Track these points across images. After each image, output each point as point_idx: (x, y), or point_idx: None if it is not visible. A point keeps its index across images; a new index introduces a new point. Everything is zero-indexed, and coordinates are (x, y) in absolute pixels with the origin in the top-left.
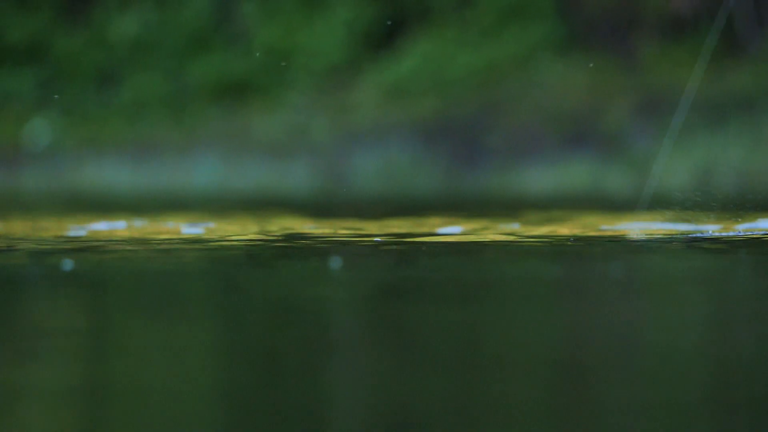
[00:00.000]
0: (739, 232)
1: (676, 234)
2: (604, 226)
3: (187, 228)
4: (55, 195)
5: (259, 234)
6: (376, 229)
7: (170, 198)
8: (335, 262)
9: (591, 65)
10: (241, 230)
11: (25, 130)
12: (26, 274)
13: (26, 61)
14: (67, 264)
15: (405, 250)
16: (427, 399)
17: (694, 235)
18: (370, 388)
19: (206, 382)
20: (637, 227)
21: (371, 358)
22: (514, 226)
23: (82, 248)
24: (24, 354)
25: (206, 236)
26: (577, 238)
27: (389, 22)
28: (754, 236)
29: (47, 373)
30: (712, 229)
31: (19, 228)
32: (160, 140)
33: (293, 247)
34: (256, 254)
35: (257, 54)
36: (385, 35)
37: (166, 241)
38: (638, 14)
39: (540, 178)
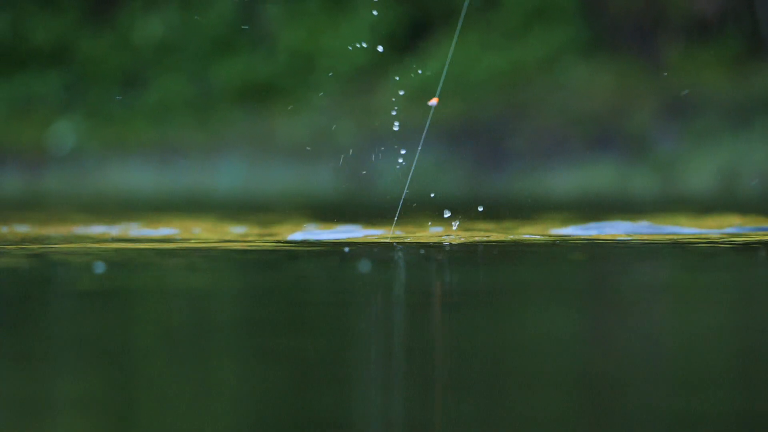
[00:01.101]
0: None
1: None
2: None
3: (213, 231)
4: (79, 197)
5: (282, 237)
6: (405, 232)
7: (194, 201)
8: (364, 266)
9: (616, 63)
10: (264, 233)
11: (50, 133)
12: (57, 276)
13: (51, 64)
14: (99, 266)
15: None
16: (450, 411)
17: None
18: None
19: (233, 393)
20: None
21: (401, 369)
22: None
23: (111, 250)
24: (53, 361)
25: (230, 239)
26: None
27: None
28: None
29: (72, 382)
30: (737, 231)
31: (47, 231)
32: (184, 143)
33: (318, 250)
34: (279, 257)
35: (281, 57)
36: (409, 38)
37: (193, 244)
38: (663, 16)
39: (564, 180)
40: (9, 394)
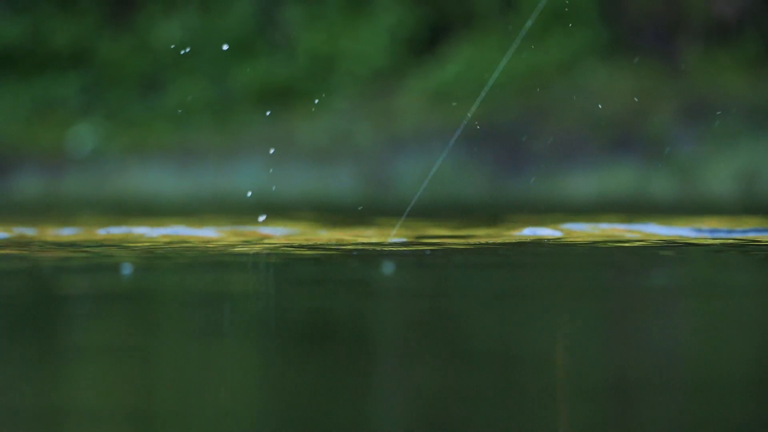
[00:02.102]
0: None
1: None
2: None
3: (235, 234)
4: (99, 200)
5: (305, 240)
6: (428, 234)
7: (215, 203)
8: (387, 268)
9: (636, 60)
10: (287, 237)
11: (70, 136)
12: (81, 279)
13: (70, 67)
14: (126, 267)
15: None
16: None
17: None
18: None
19: (257, 402)
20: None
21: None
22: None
23: (135, 253)
24: (75, 369)
25: (251, 242)
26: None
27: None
28: None
29: (95, 392)
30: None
31: (68, 233)
32: (204, 146)
33: (340, 254)
34: (303, 261)
35: (300, 60)
36: (428, 40)
37: (215, 248)
38: (682, 18)
39: (584, 183)
40: (31, 400)
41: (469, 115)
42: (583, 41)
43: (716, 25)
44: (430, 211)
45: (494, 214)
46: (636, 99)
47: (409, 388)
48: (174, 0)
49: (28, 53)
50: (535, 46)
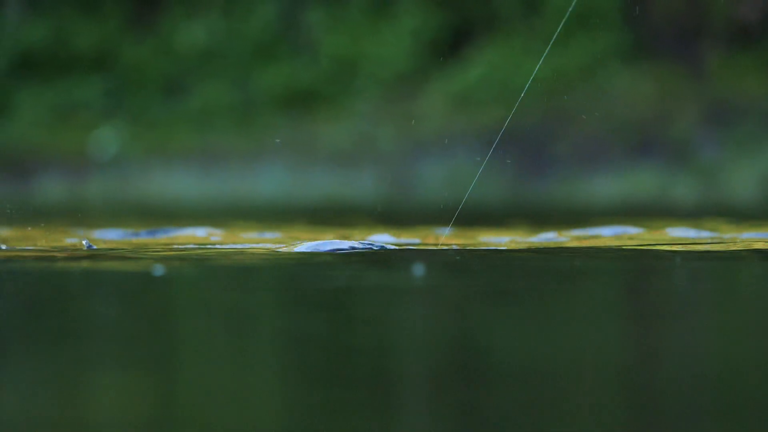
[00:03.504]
0: None
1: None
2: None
3: (259, 237)
4: (122, 203)
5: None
6: (454, 238)
7: (238, 207)
8: (418, 270)
9: (658, 69)
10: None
11: (92, 139)
12: (116, 280)
13: (94, 70)
14: (158, 269)
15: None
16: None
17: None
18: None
19: (282, 401)
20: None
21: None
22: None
23: (165, 256)
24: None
25: (275, 245)
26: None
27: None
28: None
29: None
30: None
31: (92, 236)
32: (227, 149)
33: (371, 256)
34: (330, 264)
35: (324, 63)
36: (451, 44)
37: (240, 250)
38: (705, 22)
39: (607, 186)
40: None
41: (508, 118)
42: (606, 45)
43: (739, 28)
44: (459, 216)
45: (529, 216)
46: (659, 103)
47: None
48: (197, 3)
49: (52, 56)
50: (557, 50)
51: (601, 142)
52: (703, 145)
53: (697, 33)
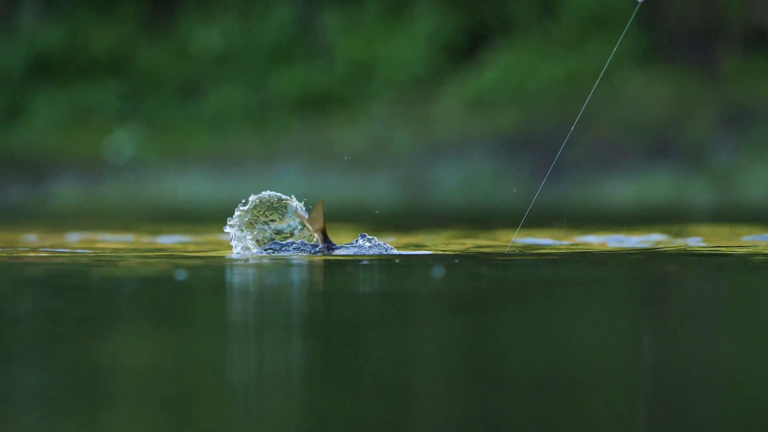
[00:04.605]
0: None
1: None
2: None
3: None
4: (138, 206)
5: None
6: (471, 241)
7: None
8: (438, 271)
9: (674, 73)
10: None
11: (108, 142)
12: (137, 284)
13: (109, 73)
14: (180, 273)
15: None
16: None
17: None
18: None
19: (303, 406)
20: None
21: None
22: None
23: (185, 258)
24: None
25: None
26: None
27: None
28: None
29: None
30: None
31: (108, 238)
32: (242, 152)
33: (395, 260)
34: (355, 265)
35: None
36: (467, 47)
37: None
38: (721, 26)
39: (622, 189)
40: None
41: (573, 125)
42: (622, 48)
43: (755, 32)
44: (476, 218)
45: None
46: (675, 106)
47: None
48: (213, 7)
49: (67, 60)
50: (573, 53)
51: (616, 145)
52: (719, 148)
53: (713, 37)
